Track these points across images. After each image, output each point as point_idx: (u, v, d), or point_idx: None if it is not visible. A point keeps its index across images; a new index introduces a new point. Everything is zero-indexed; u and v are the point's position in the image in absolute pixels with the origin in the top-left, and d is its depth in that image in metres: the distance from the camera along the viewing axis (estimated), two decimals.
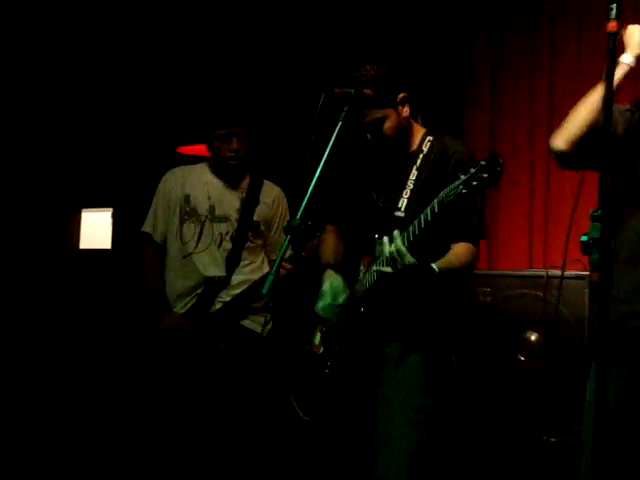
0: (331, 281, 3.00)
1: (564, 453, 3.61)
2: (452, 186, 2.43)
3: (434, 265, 2.73)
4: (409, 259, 2.61)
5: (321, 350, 3.04)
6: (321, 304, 2.99)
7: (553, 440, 3.73)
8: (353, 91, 2.74)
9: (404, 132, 2.92)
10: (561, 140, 2.51)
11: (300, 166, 2.64)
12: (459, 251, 2.83)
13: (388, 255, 2.64)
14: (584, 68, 4.80)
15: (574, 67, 5.03)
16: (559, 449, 3.69)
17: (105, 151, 5.27)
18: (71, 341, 4.94)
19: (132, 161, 3.83)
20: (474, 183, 2.38)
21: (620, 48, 2.49)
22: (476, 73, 5.35)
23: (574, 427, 3.48)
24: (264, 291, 2.43)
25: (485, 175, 2.37)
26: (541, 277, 3.94)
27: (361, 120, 2.85)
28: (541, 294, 3.89)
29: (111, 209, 5.34)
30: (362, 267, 2.97)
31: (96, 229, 5.46)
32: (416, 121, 3.03)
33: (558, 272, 3.91)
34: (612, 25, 2.14)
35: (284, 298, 3.48)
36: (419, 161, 2.91)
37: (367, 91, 2.78)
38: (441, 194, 2.47)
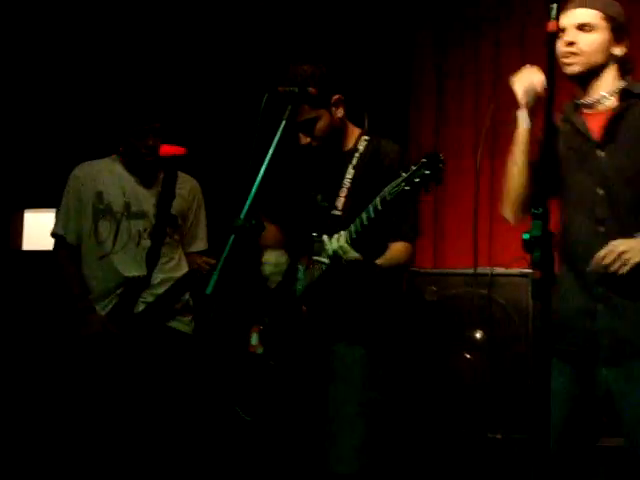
0: (276, 256, 3.01)
1: (509, 450, 3.65)
2: (394, 183, 2.46)
3: (376, 262, 2.75)
4: (353, 254, 2.63)
5: (260, 350, 3.02)
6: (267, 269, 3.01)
7: (498, 437, 3.77)
8: (297, 89, 2.74)
9: (337, 132, 2.95)
10: (509, 213, 2.67)
11: (242, 164, 2.63)
12: (397, 249, 2.87)
13: (331, 253, 2.64)
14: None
15: (518, 67, 5.08)
16: (504, 446, 3.72)
17: (48, 151, 5.19)
18: (12, 343, 4.85)
19: (75, 160, 3.77)
20: (416, 180, 2.41)
21: None
22: (421, 75, 5.38)
23: (519, 424, 3.56)
24: (208, 291, 2.40)
25: (427, 172, 2.40)
26: (486, 275, 3.98)
27: (295, 119, 2.85)
28: (486, 292, 3.93)
29: (54, 210, 5.25)
30: (300, 267, 2.96)
31: (39, 230, 5.36)
32: (362, 124, 3.05)
33: (503, 270, 3.96)
34: (552, 25, 2.16)
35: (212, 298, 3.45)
36: (354, 160, 2.93)
37: (311, 89, 2.78)
38: (384, 191, 2.49)
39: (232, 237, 2.49)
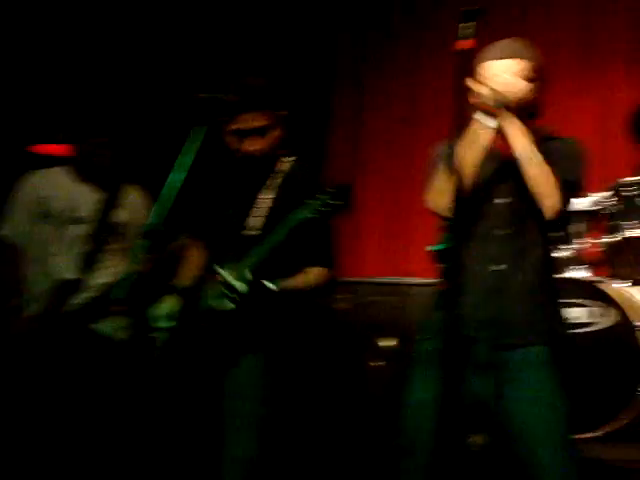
0: (169, 305, 2.98)
1: None
2: (299, 211, 2.51)
3: (272, 285, 2.77)
4: (242, 288, 2.70)
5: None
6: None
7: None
8: (221, 96, 2.74)
9: (272, 151, 2.93)
10: (442, 204, 2.57)
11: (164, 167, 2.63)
12: (310, 274, 2.90)
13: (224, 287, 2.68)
14: (443, 86, 4.98)
15: (436, 85, 5.20)
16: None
17: None
18: None
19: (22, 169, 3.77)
20: (322, 209, 2.47)
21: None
22: (340, 95, 5.46)
23: None
24: (121, 295, 2.40)
25: (333, 202, 2.49)
26: (397, 285, 4.04)
27: (231, 126, 2.86)
28: (397, 301, 3.99)
29: None
30: (211, 284, 2.92)
31: None
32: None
33: (415, 280, 4.03)
34: (466, 43, 2.23)
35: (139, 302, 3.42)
36: (278, 180, 2.94)
37: (232, 97, 2.79)
38: (289, 219, 2.55)
39: (146, 241, 2.48)
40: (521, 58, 2.59)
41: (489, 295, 2.52)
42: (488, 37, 5.48)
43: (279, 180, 2.93)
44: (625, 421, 3.83)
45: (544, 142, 2.58)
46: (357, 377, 4.06)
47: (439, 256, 2.13)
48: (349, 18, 5.66)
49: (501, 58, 2.59)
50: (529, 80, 2.58)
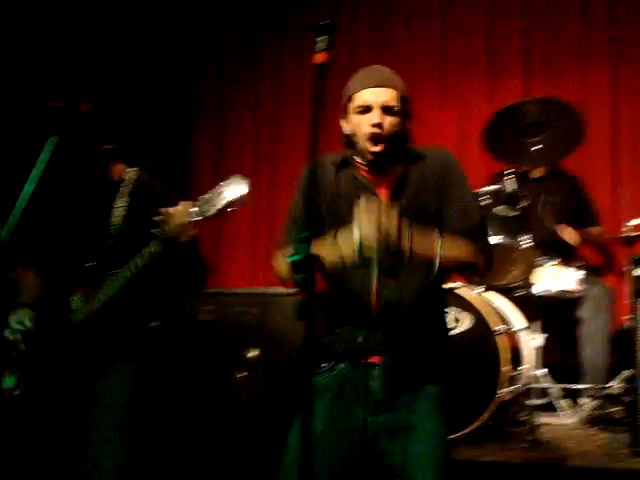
0: (21, 317, 2.96)
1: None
2: (146, 250, 2.63)
3: None
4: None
5: (17, 392, 2.95)
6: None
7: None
8: (66, 105, 2.69)
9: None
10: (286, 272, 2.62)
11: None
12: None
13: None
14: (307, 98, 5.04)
15: (295, 111, 5.28)
16: (275, 462, 3.78)
17: None
18: None
19: None
20: (169, 242, 2.59)
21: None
22: (202, 111, 5.47)
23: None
24: None
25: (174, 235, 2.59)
26: (262, 295, 4.04)
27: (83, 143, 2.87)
28: (261, 311, 3.99)
29: None
30: (76, 297, 2.95)
31: None
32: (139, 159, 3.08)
33: (278, 290, 4.03)
34: (320, 57, 2.26)
35: None
36: (127, 188, 2.95)
37: (84, 106, 2.74)
38: (136, 259, 2.65)
39: None
40: (393, 87, 2.60)
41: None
42: (352, 47, 5.62)
43: (129, 188, 2.92)
44: (486, 422, 3.97)
45: (421, 163, 2.63)
46: (222, 388, 4.03)
47: (294, 267, 2.13)
48: (211, 36, 5.68)
49: (376, 86, 2.59)
50: (400, 110, 2.60)
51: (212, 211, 2.56)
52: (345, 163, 2.66)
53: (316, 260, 2.13)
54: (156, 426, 3.01)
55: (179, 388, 3.97)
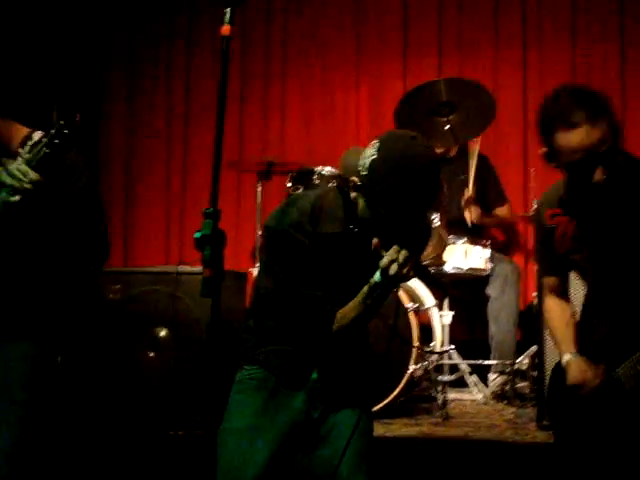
0: None
1: (190, 446, 3.69)
2: (36, 149, 2.49)
3: None
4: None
5: None
6: None
7: (180, 434, 3.81)
8: None
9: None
10: None
11: None
12: None
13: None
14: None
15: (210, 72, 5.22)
16: (186, 442, 3.76)
17: None
18: None
19: None
20: (56, 141, 2.46)
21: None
22: (112, 82, 5.39)
23: (198, 419, 3.61)
24: None
25: (65, 131, 2.46)
26: (171, 273, 3.98)
27: None
28: (171, 290, 3.94)
29: None
30: None
31: None
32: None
33: (188, 268, 3.99)
34: (225, 29, 2.21)
35: None
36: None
37: None
38: (27, 156, 2.50)
39: None
40: None
41: None
42: (265, 25, 5.58)
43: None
44: (397, 398, 4.02)
45: None
46: (130, 368, 3.98)
47: (199, 243, 2.10)
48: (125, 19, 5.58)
49: None
50: None
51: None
52: None
53: (223, 236, 2.10)
54: (61, 406, 2.95)
55: (87, 368, 3.90)
